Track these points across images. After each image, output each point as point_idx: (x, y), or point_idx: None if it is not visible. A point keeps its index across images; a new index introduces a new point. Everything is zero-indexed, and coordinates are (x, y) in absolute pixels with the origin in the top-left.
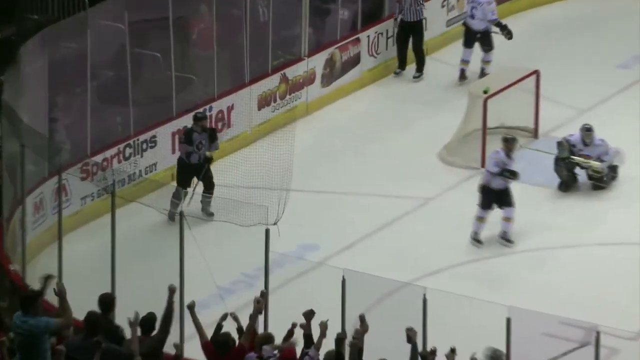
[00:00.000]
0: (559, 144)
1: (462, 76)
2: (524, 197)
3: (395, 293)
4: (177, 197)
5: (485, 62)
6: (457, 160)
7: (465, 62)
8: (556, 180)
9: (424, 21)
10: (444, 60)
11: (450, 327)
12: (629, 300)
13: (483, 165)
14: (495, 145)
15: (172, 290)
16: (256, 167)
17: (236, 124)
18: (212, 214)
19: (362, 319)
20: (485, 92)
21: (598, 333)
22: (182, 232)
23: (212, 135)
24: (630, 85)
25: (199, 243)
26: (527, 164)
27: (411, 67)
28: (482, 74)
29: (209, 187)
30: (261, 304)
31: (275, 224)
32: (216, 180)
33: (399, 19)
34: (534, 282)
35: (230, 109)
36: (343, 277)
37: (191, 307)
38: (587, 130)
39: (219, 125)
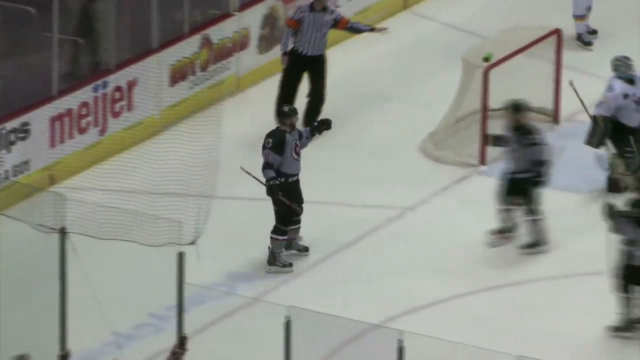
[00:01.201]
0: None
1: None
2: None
3: (360, 338)
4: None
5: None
6: (446, 155)
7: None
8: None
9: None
10: (428, 15)
11: None
12: None
13: (482, 161)
14: (500, 133)
15: None
16: (167, 165)
17: (140, 106)
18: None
19: None
20: (486, 59)
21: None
22: (63, 256)
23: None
24: None
25: (88, 271)
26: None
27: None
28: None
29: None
30: (178, 357)
31: (193, 243)
32: (112, 183)
33: (287, 49)
34: (553, 322)
35: (132, 84)
36: (287, 316)
37: (64, 358)
38: None
39: (116, 107)
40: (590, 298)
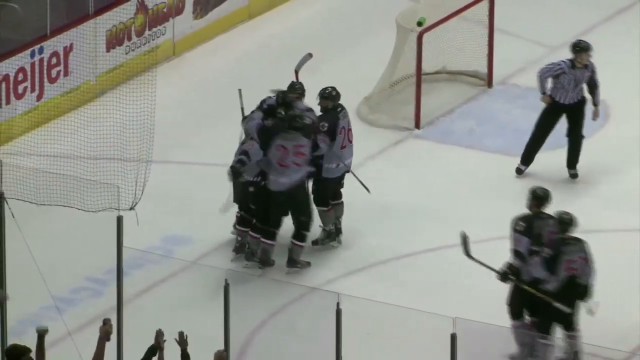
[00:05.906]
0: None
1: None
2: (481, 168)
3: (297, 302)
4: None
5: None
6: (381, 118)
7: None
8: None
9: None
10: None
11: (377, 345)
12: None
13: (417, 125)
14: (434, 96)
15: None
16: (104, 130)
17: (76, 71)
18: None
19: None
20: (419, 23)
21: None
22: (1, 221)
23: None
24: (620, 12)
25: (27, 236)
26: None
27: None
28: None
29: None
30: (108, 326)
31: (132, 208)
32: (48, 149)
33: None
34: (486, 284)
35: (67, 50)
36: (226, 280)
37: (43, 332)
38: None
39: (53, 72)
40: None
